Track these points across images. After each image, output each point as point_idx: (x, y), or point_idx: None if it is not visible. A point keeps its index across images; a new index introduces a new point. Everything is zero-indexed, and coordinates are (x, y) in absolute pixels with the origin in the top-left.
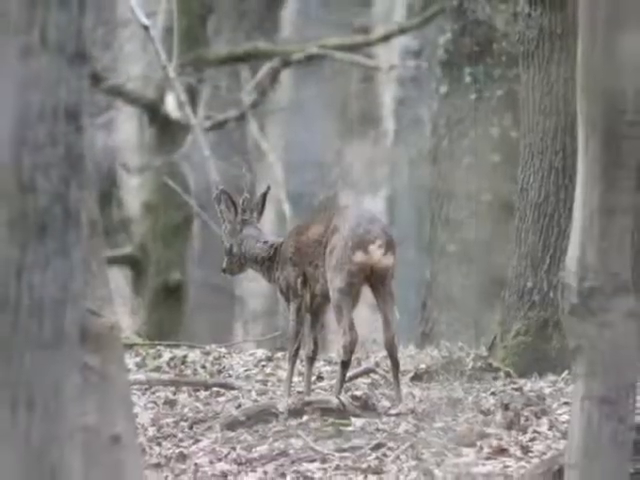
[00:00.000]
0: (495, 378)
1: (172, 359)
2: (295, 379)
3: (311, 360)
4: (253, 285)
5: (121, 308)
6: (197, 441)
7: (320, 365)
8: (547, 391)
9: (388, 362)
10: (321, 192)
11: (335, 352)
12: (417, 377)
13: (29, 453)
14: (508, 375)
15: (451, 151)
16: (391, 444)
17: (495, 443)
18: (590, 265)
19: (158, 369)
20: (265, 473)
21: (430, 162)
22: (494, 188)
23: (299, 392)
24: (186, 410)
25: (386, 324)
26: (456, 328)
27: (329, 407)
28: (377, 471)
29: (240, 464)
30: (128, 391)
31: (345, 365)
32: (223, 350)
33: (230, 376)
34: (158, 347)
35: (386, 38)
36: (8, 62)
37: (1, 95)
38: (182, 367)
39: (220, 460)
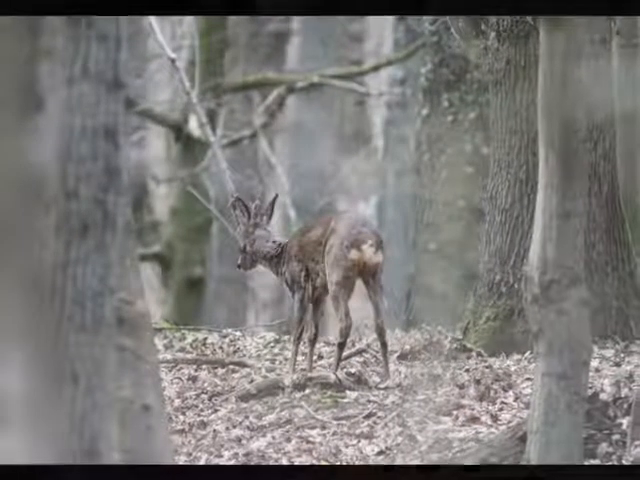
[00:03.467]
0: (469, 357)
1: (194, 341)
2: (299, 358)
3: (312, 342)
4: (263, 278)
5: (151, 298)
6: (215, 411)
7: (320, 346)
8: (513, 368)
9: (378, 344)
10: (321, 199)
11: (333, 335)
12: (403, 356)
13: (73, 421)
14: (480, 355)
15: (432, 164)
16: (380, 413)
17: (469, 413)
18: (549, 261)
19: (183, 350)
20: (273, 438)
21: (414, 173)
22: (467, 196)
23: (302, 369)
24: (206, 384)
25: (376, 311)
26: (435, 315)
27: (328, 382)
28: (368, 436)
29: (252, 430)
30: (157, 368)
31: (341, 346)
32: (238, 334)
33: (244, 356)
34: (183, 331)
35: (376, 68)
36: (56, 89)
37: (50, 117)
38: (203, 348)
39: (235, 427)
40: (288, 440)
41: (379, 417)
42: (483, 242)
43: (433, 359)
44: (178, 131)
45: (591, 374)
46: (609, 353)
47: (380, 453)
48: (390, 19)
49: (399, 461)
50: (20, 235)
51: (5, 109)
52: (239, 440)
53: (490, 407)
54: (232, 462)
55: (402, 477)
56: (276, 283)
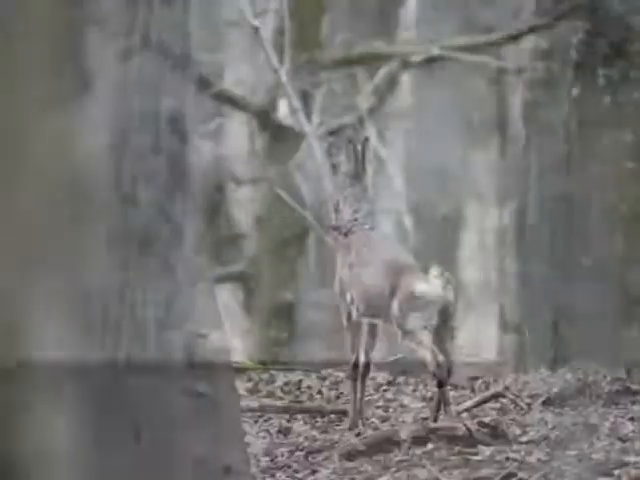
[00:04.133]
0: (633, 402)
1: (286, 384)
2: (418, 405)
3: (363, 376)
4: None
5: (231, 329)
6: (314, 472)
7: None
8: None
9: (518, 386)
10: (444, 204)
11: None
12: (549, 402)
13: None
14: None
15: (585, 159)
16: (522, 474)
17: (634, 472)
18: None
19: (271, 395)
20: None
21: (562, 171)
22: (630, 198)
23: (423, 419)
24: (301, 439)
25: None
26: (591, 349)
27: (456, 434)
28: None
29: None
30: (240, 419)
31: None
32: (341, 374)
33: (348, 402)
34: (271, 371)
35: (514, 38)
36: (107, 65)
37: (101, 101)
38: (297, 393)
39: None
40: None
41: (520, 479)
42: None
43: (588, 405)
44: (264, 118)
45: None
46: None
47: None
48: None
49: None
50: (62, 251)
51: (44, 91)
52: None
53: None
54: None
55: None
56: None
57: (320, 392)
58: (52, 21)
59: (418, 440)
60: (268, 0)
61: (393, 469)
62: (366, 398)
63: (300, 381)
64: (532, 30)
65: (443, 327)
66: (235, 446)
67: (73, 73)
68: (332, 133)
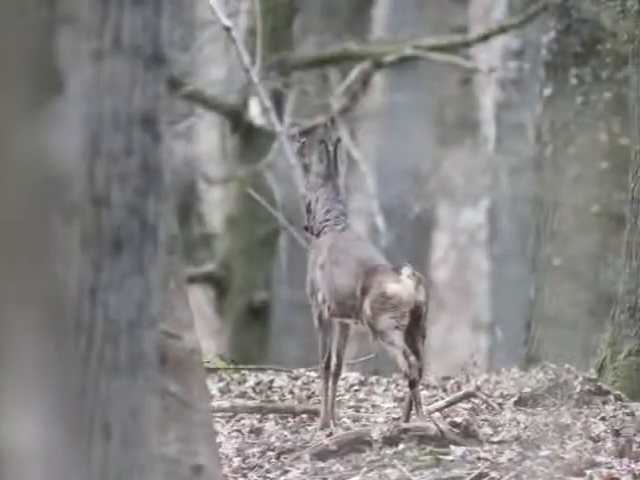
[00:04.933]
0: (605, 402)
1: (258, 384)
2: (390, 405)
3: (335, 376)
4: None
5: (203, 330)
6: (285, 472)
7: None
8: None
9: (490, 386)
10: (417, 204)
11: (434, 375)
12: (521, 401)
13: None
14: (619, 399)
15: (556, 159)
16: (494, 474)
17: (606, 472)
18: None
19: (243, 395)
20: None
21: (534, 170)
22: (602, 198)
23: (395, 419)
24: (273, 439)
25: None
26: (562, 349)
27: (427, 434)
28: None
29: None
30: (211, 419)
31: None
32: (312, 374)
33: (320, 402)
34: (243, 371)
35: (485, 38)
36: (80, 67)
37: (73, 102)
38: (269, 393)
39: None
40: None
41: (492, 479)
42: (623, 256)
43: (560, 405)
44: (236, 119)
45: None
46: None
47: None
48: None
49: None
50: (36, 252)
51: (16, 92)
52: None
53: (633, 465)
54: None
55: None
56: None
57: (292, 392)
58: (25, 21)
59: (390, 440)
60: (240, 0)
61: (364, 469)
62: (338, 398)
63: (272, 381)
64: (503, 30)
65: (415, 327)
66: (206, 446)
67: (46, 73)
68: (304, 133)
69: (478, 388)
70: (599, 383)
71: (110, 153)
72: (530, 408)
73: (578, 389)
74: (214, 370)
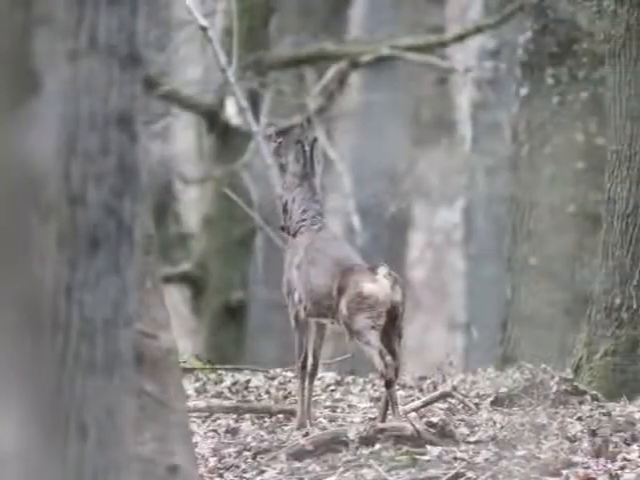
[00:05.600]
0: (581, 402)
1: (234, 384)
2: (366, 405)
3: (311, 376)
4: None
5: (179, 330)
6: (261, 472)
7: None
8: (637, 416)
9: (466, 386)
10: (393, 203)
11: (409, 375)
12: (497, 402)
13: None
14: (595, 399)
15: (532, 159)
16: (470, 474)
17: (582, 472)
18: None
19: (219, 395)
20: None
21: (510, 170)
22: (578, 198)
23: (371, 419)
24: (249, 439)
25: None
26: (539, 349)
27: (403, 434)
28: None
29: None
30: (187, 419)
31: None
32: (289, 374)
33: (296, 402)
34: (219, 371)
35: (461, 38)
36: (56, 67)
37: (49, 102)
38: (245, 393)
39: None
40: None
41: (468, 479)
42: (599, 256)
43: (536, 405)
44: (212, 118)
45: None
46: None
47: None
48: None
49: None
50: (11, 251)
51: None
52: None
53: (609, 465)
54: None
55: None
56: None
57: (268, 392)
58: (0, 22)
59: (366, 440)
60: (216, 0)
61: (341, 469)
62: (314, 398)
63: (248, 381)
64: (479, 30)
65: (391, 327)
66: (182, 446)
67: (22, 74)
68: (280, 133)
69: (454, 388)
70: (575, 383)
71: (86, 153)
72: (506, 408)
73: (554, 389)
74: (190, 370)
